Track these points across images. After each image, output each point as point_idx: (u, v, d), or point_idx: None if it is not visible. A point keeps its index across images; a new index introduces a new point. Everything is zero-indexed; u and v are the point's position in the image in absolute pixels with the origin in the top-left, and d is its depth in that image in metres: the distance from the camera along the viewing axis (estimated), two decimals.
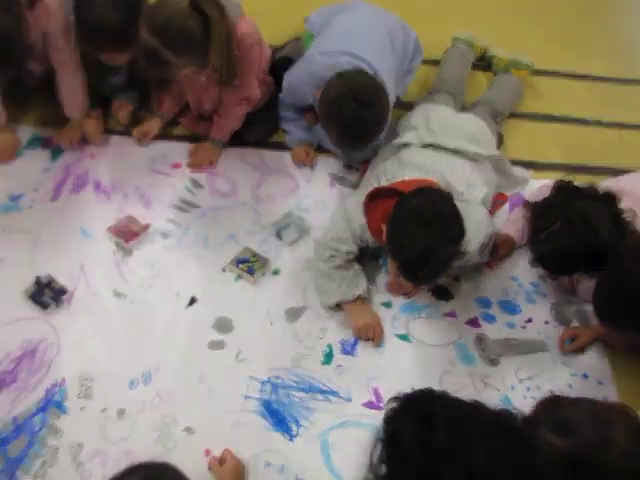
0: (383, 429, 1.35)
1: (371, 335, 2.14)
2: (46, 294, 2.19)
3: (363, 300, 2.20)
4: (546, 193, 2.17)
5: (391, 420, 1.35)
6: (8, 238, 2.34)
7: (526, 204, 2.25)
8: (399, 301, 2.26)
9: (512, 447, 1.25)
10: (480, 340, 2.18)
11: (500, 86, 2.83)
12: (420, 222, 1.88)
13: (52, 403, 1.97)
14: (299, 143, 2.60)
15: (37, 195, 2.46)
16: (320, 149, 2.64)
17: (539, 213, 2.10)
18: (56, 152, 2.59)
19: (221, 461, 1.85)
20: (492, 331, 2.21)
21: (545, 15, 3.21)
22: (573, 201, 2.03)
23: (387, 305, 2.25)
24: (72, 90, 2.50)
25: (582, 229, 1.94)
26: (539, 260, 2.10)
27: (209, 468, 1.84)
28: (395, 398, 1.37)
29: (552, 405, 1.54)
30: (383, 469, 1.32)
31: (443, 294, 2.29)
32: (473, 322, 2.23)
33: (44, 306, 2.17)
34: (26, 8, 2.11)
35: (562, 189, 2.12)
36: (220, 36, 2.16)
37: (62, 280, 2.23)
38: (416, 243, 1.87)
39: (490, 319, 2.24)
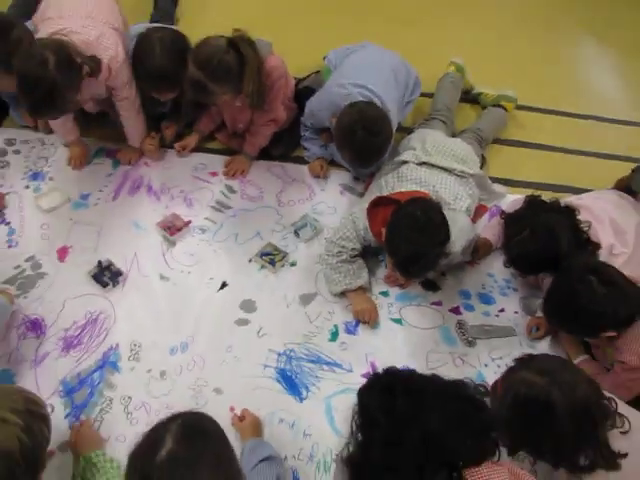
0: (357, 401, 1.40)
1: (367, 318, 2.19)
2: (106, 275, 2.27)
3: (364, 290, 2.25)
4: (518, 206, 2.21)
5: (362, 393, 1.41)
6: (77, 229, 2.43)
7: (502, 214, 2.30)
8: (395, 291, 2.30)
9: (462, 410, 1.30)
10: (460, 325, 2.22)
11: (488, 117, 2.82)
12: (414, 227, 1.95)
13: (108, 363, 2.06)
14: (316, 158, 2.64)
15: (101, 195, 2.55)
16: (333, 163, 2.67)
17: (511, 223, 2.17)
18: (117, 161, 2.67)
19: (241, 418, 1.91)
20: (471, 318, 2.24)
21: (522, 64, 3.23)
22: (539, 213, 2.09)
23: (385, 294, 2.29)
24: (135, 128, 2.59)
25: (546, 237, 2.01)
26: (510, 262, 2.18)
27: (232, 424, 1.90)
28: (371, 375, 1.43)
29: (530, 358, 1.61)
30: (359, 436, 1.37)
31: (431, 286, 2.32)
32: (455, 310, 2.26)
33: (104, 285, 2.25)
34: (89, 75, 2.20)
35: (531, 203, 2.17)
36: (252, 69, 2.24)
37: (119, 264, 2.31)
38: (410, 245, 1.94)
39: (469, 308, 2.27)
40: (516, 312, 2.28)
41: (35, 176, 2.59)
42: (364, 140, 2.22)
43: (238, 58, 2.21)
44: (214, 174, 2.65)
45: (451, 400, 1.32)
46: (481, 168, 2.56)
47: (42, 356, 2.07)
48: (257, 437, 1.85)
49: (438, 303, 2.29)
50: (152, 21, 2.98)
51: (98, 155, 2.69)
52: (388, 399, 1.31)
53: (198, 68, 2.17)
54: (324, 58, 2.75)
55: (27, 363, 2.04)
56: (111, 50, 2.25)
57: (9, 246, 2.36)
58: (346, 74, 2.49)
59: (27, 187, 2.55)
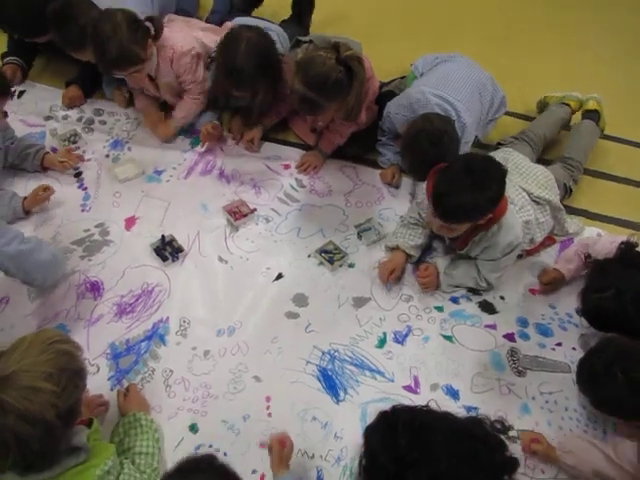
0: (362, 441, 1.37)
1: (381, 269, 2.27)
2: (167, 250, 2.34)
3: (401, 252, 2.29)
4: (607, 249, 2.09)
5: (366, 432, 1.38)
6: (147, 201, 2.52)
7: (587, 256, 2.20)
8: (450, 307, 2.26)
9: (474, 450, 1.24)
10: (513, 352, 2.15)
11: (575, 138, 2.69)
12: (468, 170, 1.92)
13: (156, 335, 2.13)
14: (390, 165, 2.63)
15: (174, 172, 2.64)
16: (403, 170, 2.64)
17: (597, 272, 2.00)
18: (195, 141, 2.75)
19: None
20: (525, 347, 2.17)
21: (617, 92, 3.08)
22: (632, 272, 1.91)
23: (439, 309, 2.25)
24: (185, 114, 2.72)
25: (631, 305, 1.83)
26: (585, 314, 2.01)
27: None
28: (379, 412, 1.39)
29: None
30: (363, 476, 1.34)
31: (489, 308, 2.27)
32: (510, 336, 2.20)
33: (164, 259, 2.32)
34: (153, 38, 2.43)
35: (625, 254, 1.99)
36: (360, 84, 2.25)
37: (181, 241, 2.38)
38: (456, 184, 1.92)
39: (525, 337, 2.20)
40: (574, 349, 2.18)
41: (115, 144, 2.71)
42: (425, 151, 2.20)
43: (348, 74, 2.21)
44: (286, 166, 2.69)
45: (463, 439, 1.27)
46: (564, 199, 2.49)
47: (96, 318, 2.15)
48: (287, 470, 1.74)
49: (492, 326, 2.23)
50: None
51: (180, 133, 2.78)
52: (392, 439, 1.28)
53: (310, 89, 2.19)
54: (412, 64, 2.73)
55: (82, 322, 2.13)
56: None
57: (82, 210, 2.47)
58: (429, 83, 2.48)
59: (107, 156, 2.68)
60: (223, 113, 2.82)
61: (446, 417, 1.35)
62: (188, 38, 2.58)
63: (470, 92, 2.43)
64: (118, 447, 1.71)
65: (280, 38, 2.70)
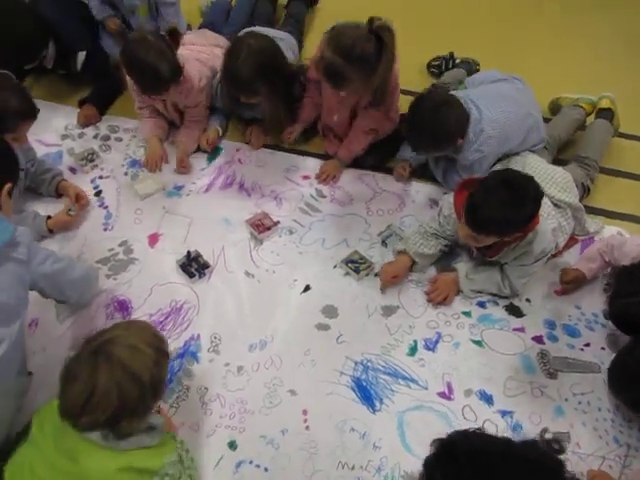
0: (422, 471, 1.38)
1: (381, 275, 2.30)
2: (193, 266, 2.36)
3: (407, 257, 2.31)
4: (634, 251, 2.12)
5: (427, 463, 1.38)
6: (169, 217, 2.55)
7: (612, 267, 2.25)
8: (477, 312, 2.28)
9: (536, 475, 1.26)
10: (543, 355, 2.17)
11: (590, 136, 2.72)
12: (506, 184, 1.92)
13: (189, 352, 2.14)
14: (401, 159, 2.67)
15: (194, 187, 2.66)
16: (425, 176, 2.68)
17: (625, 278, 2.04)
18: (211, 157, 2.79)
19: None
20: (554, 349, 2.19)
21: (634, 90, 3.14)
22: None
23: (467, 314, 2.27)
24: (191, 137, 2.78)
25: None
26: (612, 318, 2.06)
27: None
28: (434, 441, 1.40)
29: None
30: None
31: (515, 311, 2.28)
32: (538, 339, 2.22)
33: (190, 275, 2.33)
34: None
35: None
36: (389, 59, 2.24)
37: (206, 256, 2.39)
38: (491, 197, 1.92)
39: (553, 338, 2.22)
40: (603, 348, 2.20)
41: (133, 163, 2.74)
42: (422, 114, 2.23)
43: (377, 47, 2.19)
44: (306, 177, 2.71)
45: (522, 465, 1.27)
46: (583, 198, 2.51)
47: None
48: None
49: (521, 329, 2.25)
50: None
51: (195, 149, 2.81)
52: (456, 472, 1.28)
53: (338, 55, 2.18)
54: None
55: None
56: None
57: (105, 229, 2.49)
58: (471, 92, 2.47)
59: (125, 174, 2.70)
60: (230, 121, 2.91)
61: (502, 442, 1.37)
62: (204, 72, 2.65)
63: (506, 110, 2.36)
64: None
65: (290, 47, 2.74)
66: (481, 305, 2.30)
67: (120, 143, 2.82)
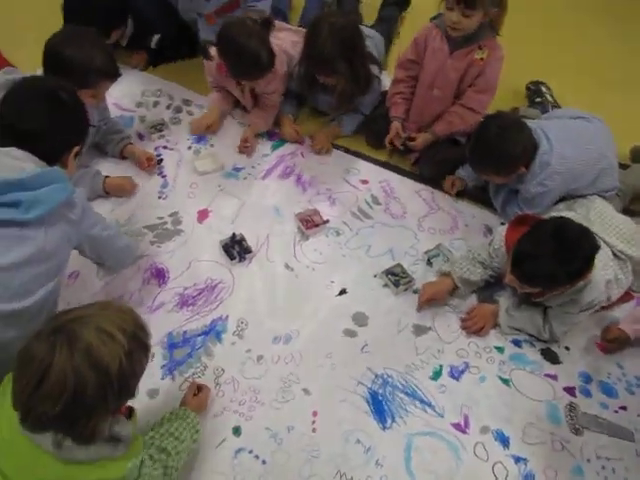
0: None
1: (421, 293, 2.27)
2: (235, 248, 2.40)
3: (450, 279, 2.28)
4: None
5: None
6: (223, 197, 2.60)
7: None
8: (511, 349, 2.21)
9: None
10: (572, 408, 2.08)
11: None
12: (557, 236, 1.87)
13: (214, 331, 2.18)
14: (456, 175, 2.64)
15: (253, 172, 2.71)
16: (484, 202, 2.64)
17: None
18: (276, 144, 2.84)
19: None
20: (585, 404, 2.10)
21: None
22: None
23: (500, 350, 2.22)
24: (263, 120, 2.82)
25: None
26: None
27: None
28: None
29: None
30: None
31: (552, 357, 2.21)
32: (570, 390, 2.13)
33: (231, 257, 2.37)
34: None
35: None
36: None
37: (250, 241, 2.43)
38: (542, 248, 1.87)
39: (586, 393, 2.13)
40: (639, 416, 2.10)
41: (199, 139, 2.81)
42: (489, 133, 2.21)
43: None
44: (364, 182, 2.71)
45: None
46: None
47: (158, 305, 2.23)
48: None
49: (553, 376, 2.17)
50: None
51: (262, 135, 2.86)
52: None
53: None
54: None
55: (143, 307, 2.21)
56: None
57: (159, 197, 2.57)
58: (545, 123, 2.42)
59: (189, 148, 2.78)
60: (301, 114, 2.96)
61: None
62: (284, 59, 2.71)
63: (578, 147, 2.31)
64: (157, 428, 1.74)
65: (376, 45, 2.76)
66: (516, 343, 2.24)
67: (191, 117, 2.90)
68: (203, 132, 2.80)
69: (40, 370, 1.22)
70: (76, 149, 1.83)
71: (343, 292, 2.33)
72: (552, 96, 3.02)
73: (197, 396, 1.93)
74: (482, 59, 2.44)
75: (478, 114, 2.51)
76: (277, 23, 2.80)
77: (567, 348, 2.24)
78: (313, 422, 1.99)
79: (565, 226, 1.92)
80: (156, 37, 3.00)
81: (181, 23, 3.08)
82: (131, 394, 1.39)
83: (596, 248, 1.90)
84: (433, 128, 2.65)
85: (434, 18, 2.50)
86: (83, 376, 1.24)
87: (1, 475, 1.37)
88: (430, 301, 2.27)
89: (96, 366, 1.25)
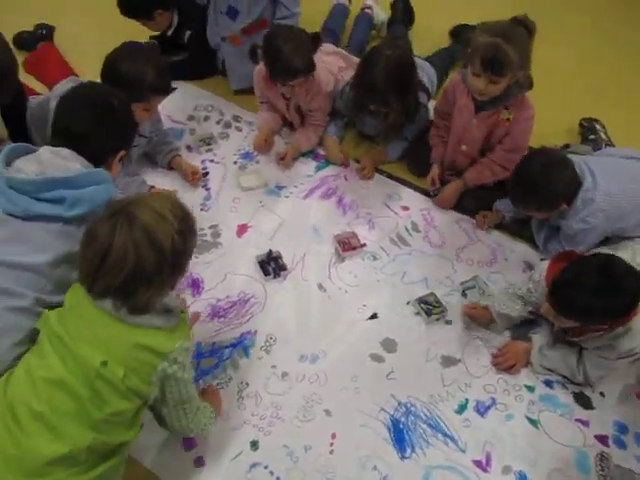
0: None
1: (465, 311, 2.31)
2: (271, 265, 2.44)
3: (489, 312, 2.27)
4: None
5: None
6: (264, 213, 2.66)
7: None
8: (542, 389, 2.16)
9: None
10: (603, 458, 2.00)
11: None
12: (600, 273, 1.81)
13: (242, 345, 2.21)
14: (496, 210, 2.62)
15: (295, 191, 2.76)
16: (525, 237, 2.60)
17: None
18: (320, 165, 2.88)
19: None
20: (618, 456, 2.01)
21: None
22: None
23: (530, 389, 2.17)
24: (307, 138, 2.88)
25: None
26: None
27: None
28: None
29: None
30: None
31: (584, 402, 2.14)
32: (603, 439, 2.06)
33: (266, 273, 2.41)
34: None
35: None
36: (530, 49, 2.28)
37: (286, 259, 2.47)
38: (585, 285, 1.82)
39: (621, 444, 2.05)
40: None
41: (245, 155, 2.89)
42: (531, 167, 2.18)
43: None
44: (405, 208, 2.72)
45: None
46: None
47: (190, 314, 2.26)
48: None
49: (585, 422, 2.10)
50: None
51: (307, 155, 2.92)
52: None
53: (495, 35, 2.19)
54: None
55: None
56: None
57: (201, 209, 2.65)
58: (591, 159, 2.38)
59: (235, 163, 2.85)
60: (347, 136, 3.00)
61: None
62: (331, 79, 2.78)
63: (625, 187, 2.25)
64: None
65: (428, 74, 2.80)
66: (547, 384, 2.19)
67: (239, 133, 2.98)
68: (264, 148, 2.89)
69: (103, 247, 1.40)
70: (122, 153, 1.92)
71: (374, 316, 2.33)
72: (606, 134, 2.97)
73: (207, 392, 2.01)
74: (508, 119, 2.43)
75: (507, 171, 2.48)
76: (325, 45, 2.88)
77: (602, 394, 2.18)
78: (331, 444, 2.00)
79: (612, 262, 1.86)
80: (188, 33, 3.10)
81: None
82: (183, 271, 1.58)
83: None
84: (465, 176, 2.65)
85: (465, 66, 2.48)
86: (141, 251, 1.41)
87: (59, 339, 1.49)
88: (471, 315, 2.29)
89: (152, 242, 1.42)
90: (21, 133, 2.60)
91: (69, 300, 1.57)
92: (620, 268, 1.84)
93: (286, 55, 2.49)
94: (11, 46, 2.30)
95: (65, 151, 1.73)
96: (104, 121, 1.83)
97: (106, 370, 1.45)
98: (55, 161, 1.69)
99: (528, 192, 2.22)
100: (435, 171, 2.73)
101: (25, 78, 2.66)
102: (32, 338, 1.61)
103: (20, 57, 2.51)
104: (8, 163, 1.71)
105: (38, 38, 3.26)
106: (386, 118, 2.68)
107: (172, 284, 1.56)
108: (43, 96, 2.71)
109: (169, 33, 3.10)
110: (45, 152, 1.72)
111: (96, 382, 1.45)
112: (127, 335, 1.47)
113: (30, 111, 2.58)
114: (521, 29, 2.21)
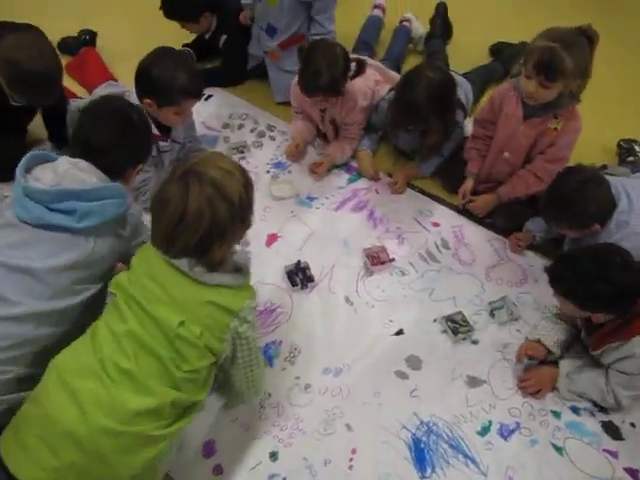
0: None
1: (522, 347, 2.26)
2: (299, 275, 2.46)
3: (541, 346, 2.23)
4: None
5: None
6: (294, 223, 2.69)
7: None
8: (569, 416, 2.12)
9: None
10: None
11: None
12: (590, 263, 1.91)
13: (266, 355, 2.22)
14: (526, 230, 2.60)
15: (326, 202, 2.78)
16: (552, 256, 2.48)
17: None
18: (352, 178, 2.90)
19: None
20: None
21: None
22: None
23: (556, 415, 2.13)
24: (341, 151, 2.89)
25: None
26: None
27: None
28: None
29: None
30: None
31: (613, 432, 2.09)
32: (633, 473, 2.00)
33: (293, 284, 2.43)
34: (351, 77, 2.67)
35: None
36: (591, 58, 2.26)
37: (314, 270, 2.48)
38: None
39: None
40: None
41: (278, 165, 2.92)
42: (570, 191, 2.14)
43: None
44: (436, 224, 2.71)
45: None
46: None
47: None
48: None
49: (613, 453, 2.05)
50: None
51: (339, 167, 2.93)
52: None
53: (553, 40, 2.16)
54: None
55: None
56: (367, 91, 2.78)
57: None
58: (628, 180, 2.34)
59: (267, 172, 2.89)
60: (380, 150, 3.01)
61: None
62: (368, 94, 2.79)
63: None
64: None
65: (465, 92, 2.79)
66: (574, 411, 2.15)
67: (272, 142, 3.02)
68: (296, 155, 2.92)
69: (179, 210, 1.48)
70: (139, 167, 1.98)
71: (400, 332, 2.33)
72: None
73: None
74: (556, 129, 2.41)
75: (543, 183, 2.45)
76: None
77: (633, 425, 2.12)
78: (351, 459, 2.00)
79: (610, 252, 1.96)
80: (224, 37, 3.16)
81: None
82: (249, 224, 1.65)
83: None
84: (498, 190, 2.64)
85: (514, 76, 2.49)
86: (215, 206, 1.49)
87: (136, 303, 1.57)
88: (531, 356, 2.24)
89: (224, 196, 1.50)
90: (60, 134, 2.69)
91: (139, 263, 1.65)
92: (616, 259, 1.91)
93: (315, 70, 2.51)
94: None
95: (83, 163, 1.78)
96: (123, 135, 1.89)
97: (184, 329, 1.53)
98: (72, 173, 1.74)
99: (561, 208, 2.19)
100: (468, 185, 2.72)
101: (66, 81, 2.71)
102: (20, 345, 1.66)
103: (63, 61, 2.55)
104: (28, 170, 1.76)
105: (82, 43, 3.35)
106: (422, 135, 2.68)
107: (239, 238, 1.65)
108: (82, 100, 2.79)
109: (207, 36, 3.17)
110: (63, 163, 1.76)
111: (176, 342, 1.54)
112: (201, 294, 1.55)
113: (70, 114, 2.65)
114: (582, 39, 2.19)
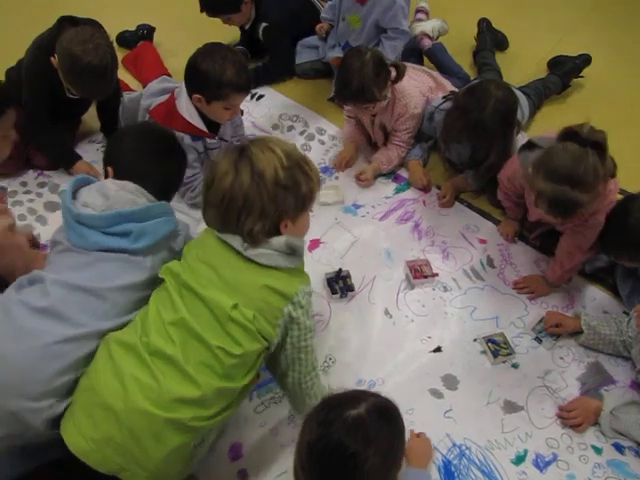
0: None
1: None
2: (339, 283, 2.45)
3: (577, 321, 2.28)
4: None
5: None
6: (337, 230, 2.68)
7: None
8: (611, 454, 2.05)
9: None
10: None
11: None
12: None
13: None
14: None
15: (372, 211, 2.77)
16: (608, 284, 2.51)
17: None
18: (400, 188, 2.88)
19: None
20: None
21: None
22: None
23: (597, 450, 2.06)
24: (388, 159, 2.87)
25: None
26: None
27: None
28: None
29: None
30: None
31: None
32: None
33: (333, 291, 2.43)
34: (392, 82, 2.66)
35: None
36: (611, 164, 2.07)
37: (355, 280, 2.47)
38: None
39: None
40: None
41: (325, 170, 2.92)
42: (634, 220, 2.08)
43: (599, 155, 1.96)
44: (482, 241, 2.67)
45: None
46: None
47: None
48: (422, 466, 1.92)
49: None
50: None
51: (387, 176, 2.92)
52: None
53: (560, 181, 1.95)
54: None
55: None
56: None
57: None
58: None
59: None
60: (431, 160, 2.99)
61: None
62: (420, 101, 2.77)
63: None
64: None
65: (522, 106, 2.74)
66: (618, 448, 2.07)
67: (321, 146, 3.03)
68: (343, 169, 2.92)
69: (226, 184, 1.54)
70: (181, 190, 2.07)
71: (438, 350, 2.30)
72: None
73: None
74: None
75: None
76: (412, 65, 2.90)
77: None
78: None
79: None
80: (263, 25, 3.18)
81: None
82: (301, 209, 1.67)
83: None
84: (546, 276, 2.49)
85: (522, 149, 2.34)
86: (241, 177, 1.53)
87: (187, 289, 1.61)
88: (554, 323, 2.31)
89: (254, 171, 1.53)
90: (113, 127, 2.74)
91: (192, 248, 1.70)
92: None
93: (344, 77, 2.52)
94: (114, 44, 2.44)
95: (130, 185, 1.80)
96: (166, 162, 1.96)
97: (237, 312, 1.55)
98: (122, 195, 1.76)
99: (622, 241, 2.13)
100: (511, 228, 2.67)
101: (121, 74, 2.77)
102: (76, 366, 1.66)
103: (120, 54, 2.61)
104: (73, 194, 1.80)
105: (139, 37, 3.42)
106: (475, 149, 2.64)
107: (288, 218, 1.63)
108: (136, 93, 2.84)
109: (247, 27, 3.22)
110: (111, 186, 1.79)
111: (228, 325, 1.56)
112: (255, 277, 1.57)
113: (123, 106, 2.69)
114: (588, 154, 1.93)
